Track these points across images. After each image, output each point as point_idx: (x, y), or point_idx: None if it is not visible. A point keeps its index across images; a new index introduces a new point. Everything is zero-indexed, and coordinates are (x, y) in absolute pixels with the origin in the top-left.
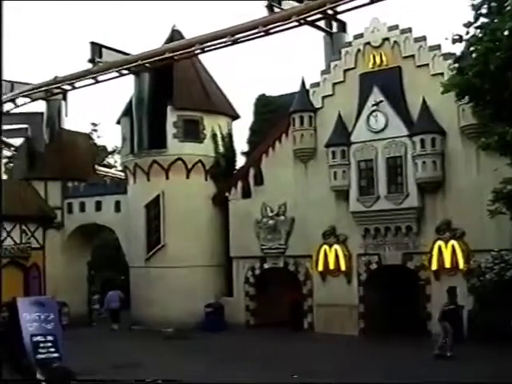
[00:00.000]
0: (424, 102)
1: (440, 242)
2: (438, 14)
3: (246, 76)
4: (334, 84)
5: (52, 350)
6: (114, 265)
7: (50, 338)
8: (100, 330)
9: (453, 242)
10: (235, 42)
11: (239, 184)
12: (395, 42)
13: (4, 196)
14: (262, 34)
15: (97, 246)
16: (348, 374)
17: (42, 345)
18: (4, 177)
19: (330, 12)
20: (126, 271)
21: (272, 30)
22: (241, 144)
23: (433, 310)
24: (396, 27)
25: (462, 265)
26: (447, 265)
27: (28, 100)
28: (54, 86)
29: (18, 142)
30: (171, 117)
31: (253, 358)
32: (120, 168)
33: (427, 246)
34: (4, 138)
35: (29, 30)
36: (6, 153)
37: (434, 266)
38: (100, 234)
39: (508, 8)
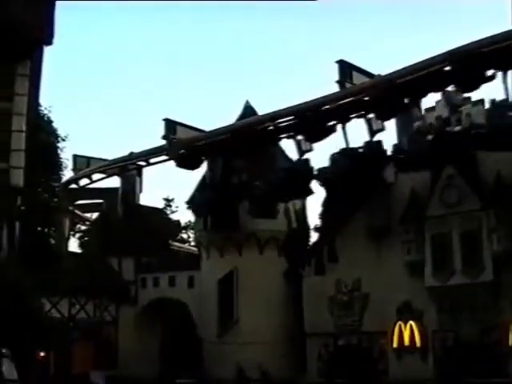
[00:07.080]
0: (498, 173)
1: None
2: None
3: (320, 151)
4: None
5: None
6: (186, 340)
7: None
8: None
9: None
10: None
11: (313, 260)
12: None
13: (79, 270)
14: None
15: (169, 320)
16: None
17: None
18: (79, 251)
19: None
20: (199, 346)
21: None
22: (314, 219)
23: None
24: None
25: None
26: None
27: (103, 175)
28: (129, 162)
29: (93, 216)
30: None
31: None
32: (193, 243)
33: (504, 321)
34: (79, 213)
35: (106, 107)
36: (82, 227)
37: None
38: (173, 309)
39: None
